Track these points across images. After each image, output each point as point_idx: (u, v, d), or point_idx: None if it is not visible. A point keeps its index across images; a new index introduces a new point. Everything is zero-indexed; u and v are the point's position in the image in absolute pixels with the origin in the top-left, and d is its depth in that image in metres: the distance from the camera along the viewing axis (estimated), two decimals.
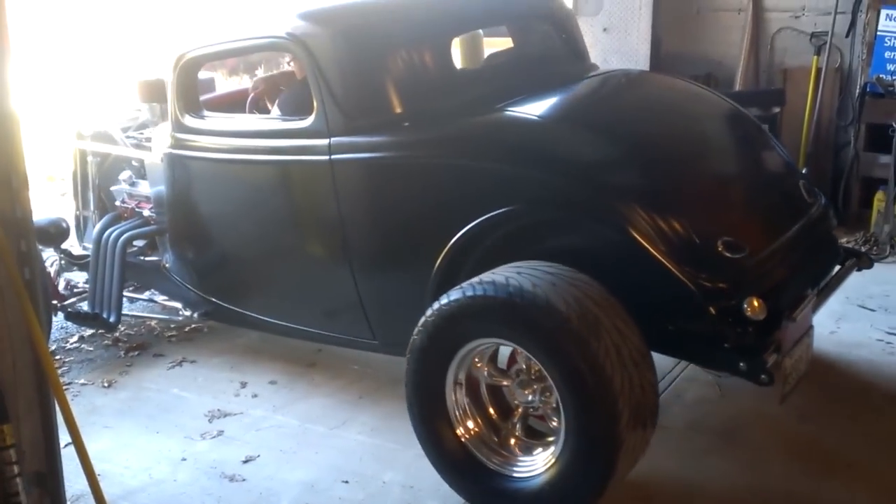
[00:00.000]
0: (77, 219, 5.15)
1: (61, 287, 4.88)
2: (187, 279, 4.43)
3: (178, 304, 4.57)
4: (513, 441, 3.19)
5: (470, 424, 3.19)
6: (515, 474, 3.10)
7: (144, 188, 4.65)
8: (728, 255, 3.04)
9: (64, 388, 3.02)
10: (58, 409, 2.96)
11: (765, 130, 4.08)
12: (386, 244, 3.57)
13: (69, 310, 4.62)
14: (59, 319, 4.85)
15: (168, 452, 3.71)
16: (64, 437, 3.01)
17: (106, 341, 4.83)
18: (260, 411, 4.07)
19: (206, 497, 3.36)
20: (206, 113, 4.12)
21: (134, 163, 4.76)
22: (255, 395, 4.23)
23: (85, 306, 4.68)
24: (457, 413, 3.18)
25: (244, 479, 3.48)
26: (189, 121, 4.08)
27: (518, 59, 4.33)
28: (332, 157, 3.52)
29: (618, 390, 2.74)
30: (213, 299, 4.34)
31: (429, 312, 3.06)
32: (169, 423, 3.99)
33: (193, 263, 4.39)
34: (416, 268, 3.41)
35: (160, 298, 4.80)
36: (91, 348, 4.78)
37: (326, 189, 3.55)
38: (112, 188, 4.86)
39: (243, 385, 4.35)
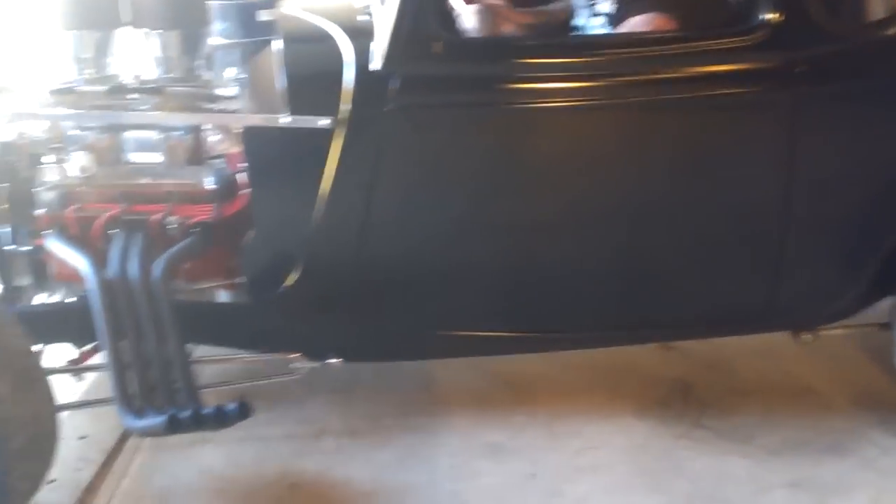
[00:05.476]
0: None
1: None
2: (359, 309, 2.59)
3: (286, 354, 2.62)
4: None
5: None
6: None
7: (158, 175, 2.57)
8: None
9: None
10: None
11: None
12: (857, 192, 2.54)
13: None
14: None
15: None
16: None
17: None
18: None
19: None
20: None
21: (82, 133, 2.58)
22: None
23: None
24: None
25: None
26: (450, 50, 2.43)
27: None
28: (795, 85, 2.41)
29: None
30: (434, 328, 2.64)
31: None
32: None
33: (409, 278, 2.55)
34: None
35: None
36: None
37: (775, 127, 2.47)
38: (40, 188, 2.54)
39: None
